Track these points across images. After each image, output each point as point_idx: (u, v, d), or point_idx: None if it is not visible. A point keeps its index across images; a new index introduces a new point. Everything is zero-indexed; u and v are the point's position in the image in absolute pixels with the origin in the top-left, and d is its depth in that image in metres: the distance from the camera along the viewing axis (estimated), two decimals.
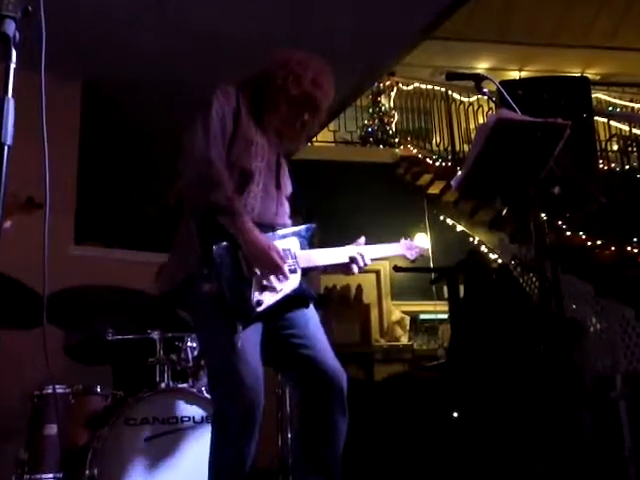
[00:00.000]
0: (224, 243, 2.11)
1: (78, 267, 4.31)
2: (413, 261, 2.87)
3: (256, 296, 2.12)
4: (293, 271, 2.26)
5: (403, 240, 2.81)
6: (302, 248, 2.35)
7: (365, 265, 2.45)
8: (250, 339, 2.14)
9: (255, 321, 2.16)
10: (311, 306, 2.36)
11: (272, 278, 2.16)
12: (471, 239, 7.01)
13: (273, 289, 2.18)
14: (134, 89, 5.25)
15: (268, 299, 2.16)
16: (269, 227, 2.28)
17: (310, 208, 2.50)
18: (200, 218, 2.15)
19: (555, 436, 3.30)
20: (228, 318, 2.09)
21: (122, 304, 3.21)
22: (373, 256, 2.53)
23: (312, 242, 2.41)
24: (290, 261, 2.26)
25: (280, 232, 2.32)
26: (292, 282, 2.25)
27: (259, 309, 2.12)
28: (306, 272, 2.34)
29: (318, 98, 2.37)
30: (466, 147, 7.58)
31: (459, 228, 7.32)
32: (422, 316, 7.88)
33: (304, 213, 2.48)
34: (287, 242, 2.31)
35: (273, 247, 2.17)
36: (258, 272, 2.14)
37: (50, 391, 3.02)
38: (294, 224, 2.42)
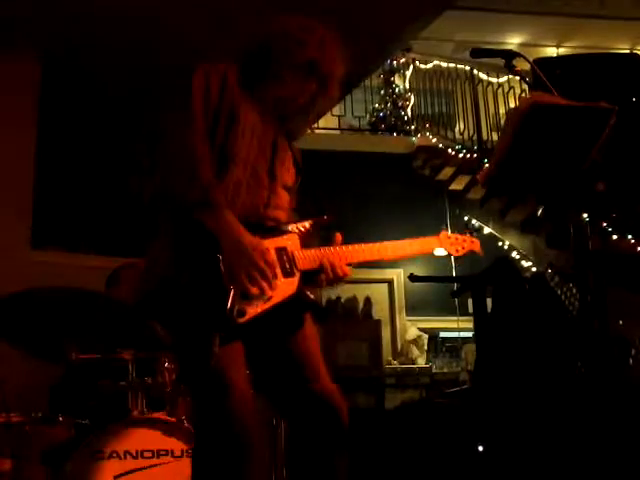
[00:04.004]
0: (201, 242, 2.10)
1: (36, 274, 4.32)
2: (460, 258, 2.74)
3: (237, 304, 2.09)
4: (288, 274, 2.23)
5: (443, 232, 2.64)
6: (304, 246, 2.31)
7: (339, 278, 2.33)
8: (234, 358, 2.13)
9: (238, 336, 2.14)
10: (309, 319, 2.34)
11: (251, 284, 2.12)
12: (500, 243, 7.02)
13: (260, 296, 2.15)
14: (101, 71, 5.28)
15: (253, 308, 2.13)
16: (256, 221, 2.24)
17: (320, 201, 2.48)
18: (177, 214, 2.15)
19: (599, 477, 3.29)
20: (205, 329, 2.08)
21: (87, 317, 3.20)
22: (389, 256, 2.48)
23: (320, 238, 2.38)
24: (285, 262, 2.24)
25: (274, 227, 2.28)
26: (286, 288, 2.21)
27: (241, 320, 2.10)
28: (311, 277, 2.31)
29: (326, 64, 2.38)
30: (494, 136, 7.58)
31: (486, 230, 7.31)
32: (442, 334, 7.89)
33: (312, 207, 2.46)
34: (283, 240, 2.28)
35: (256, 246, 2.14)
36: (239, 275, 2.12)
37: (3, 419, 3.01)
38: (298, 219, 2.39)
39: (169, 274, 2.12)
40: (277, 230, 2.29)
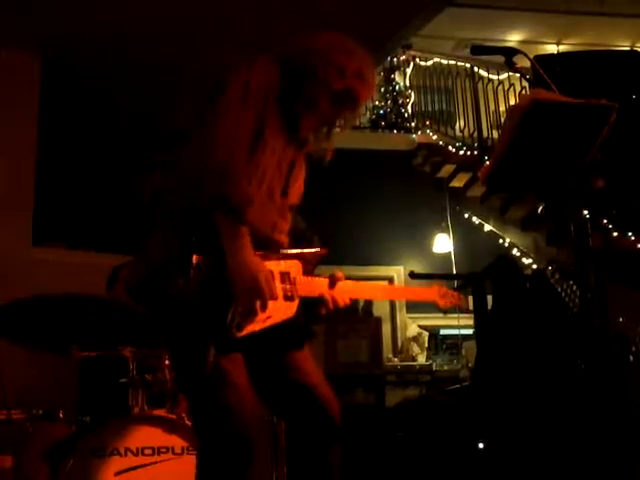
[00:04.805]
0: (209, 252, 2.09)
1: (37, 272, 4.32)
2: (445, 312, 2.88)
3: (236, 319, 2.10)
4: (289, 298, 2.25)
5: (436, 286, 2.78)
6: (305, 274, 2.33)
7: (337, 308, 2.37)
8: (235, 361, 2.15)
9: (235, 348, 2.15)
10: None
11: (253, 302, 2.12)
12: (501, 241, 7.01)
13: (259, 315, 2.15)
14: (101, 68, 5.28)
15: (251, 325, 2.14)
16: (265, 242, 2.22)
17: (320, 225, 2.48)
18: (187, 217, 2.13)
19: (599, 476, 3.29)
20: (201, 336, 2.09)
21: (88, 315, 3.21)
22: (391, 298, 2.54)
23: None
24: (287, 286, 2.24)
25: (279, 251, 2.28)
26: (285, 310, 2.23)
27: (238, 334, 2.11)
28: (309, 306, 2.32)
29: (362, 93, 2.35)
30: (495, 133, 7.57)
31: (487, 228, 7.32)
32: (443, 331, 7.87)
33: (310, 232, 2.45)
34: (287, 264, 2.28)
35: (262, 267, 2.12)
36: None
37: (4, 417, 3.02)
38: (295, 242, 2.38)
39: (169, 273, 2.12)
40: (282, 254, 2.29)
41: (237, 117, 2.11)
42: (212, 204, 2.04)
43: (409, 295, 2.73)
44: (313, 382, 2.32)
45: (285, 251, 2.30)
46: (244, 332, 2.11)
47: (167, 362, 3.16)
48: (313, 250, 2.37)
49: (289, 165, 2.33)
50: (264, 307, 2.11)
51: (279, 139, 2.27)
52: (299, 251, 2.34)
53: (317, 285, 2.34)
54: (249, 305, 2.09)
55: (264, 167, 2.22)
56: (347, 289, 2.39)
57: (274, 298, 2.13)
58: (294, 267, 2.30)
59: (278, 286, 2.19)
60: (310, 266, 2.36)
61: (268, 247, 2.23)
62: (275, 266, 2.22)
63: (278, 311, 2.19)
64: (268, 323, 2.17)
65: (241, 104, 2.13)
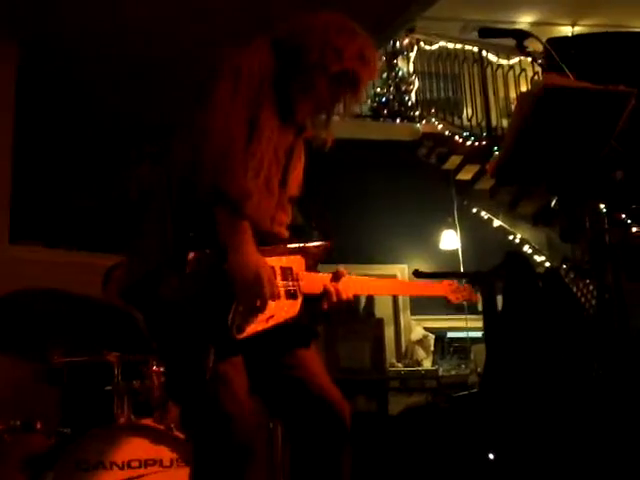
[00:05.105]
0: (206, 249, 2.09)
1: (13, 271, 4.33)
2: (458, 305, 2.87)
3: (237, 320, 2.10)
4: (292, 296, 2.25)
5: (446, 281, 2.77)
6: (309, 269, 2.33)
7: (341, 302, 2.38)
8: (234, 364, 2.15)
9: (236, 351, 2.15)
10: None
11: (254, 303, 2.12)
12: (511, 237, 7.02)
13: (261, 316, 2.15)
14: (82, 58, 5.28)
15: (252, 327, 2.14)
16: (263, 237, 2.20)
17: (323, 218, 2.48)
18: (182, 213, 2.13)
19: None
20: (200, 339, 2.09)
21: (70, 317, 3.20)
22: (398, 293, 2.55)
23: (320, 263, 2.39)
24: (290, 283, 2.25)
25: (281, 245, 2.28)
26: (288, 309, 2.24)
27: (239, 336, 2.11)
28: (311, 303, 2.32)
29: (363, 75, 2.35)
30: (505, 122, 7.57)
31: (496, 223, 7.32)
32: (450, 334, 7.89)
33: (312, 224, 2.45)
34: (289, 259, 2.29)
35: (263, 265, 2.11)
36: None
37: None
38: (294, 236, 2.38)
39: (163, 272, 2.12)
40: (284, 248, 2.29)
41: (230, 107, 2.11)
42: (209, 199, 2.04)
43: (418, 290, 2.72)
44: (321, 382, 2.31)
45: (286, 245, 2.30)
46: (245, 333, 2.11)
47: (155, 368, 3.16)
48: (316, 244, 2.37)
49: (287, 154, 2.34)
50: (263, 307, 2.11)
51: (275, 127, 2.27)
52: (301, 245, 2.34)
53: (320, 281, 2.35)
54: (251, 305, 2.09)
55: (261, 156, 2.22)
56: (351, 285, 2.40)
57: (276, 298, 2.14)
58: (296, 262, 2.30)
59: (280, 283, 2.20)
60: (313, 261, 2.36)
61: (268, 241, 2.23)
62: (276, 262, 2.22)
63: (281, 310, 2.20)
64: (270, 323, 2.18)
65: (233, 93, 2.13)
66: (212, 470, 2.13)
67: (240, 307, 2.09)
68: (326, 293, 2.34)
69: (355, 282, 2.43)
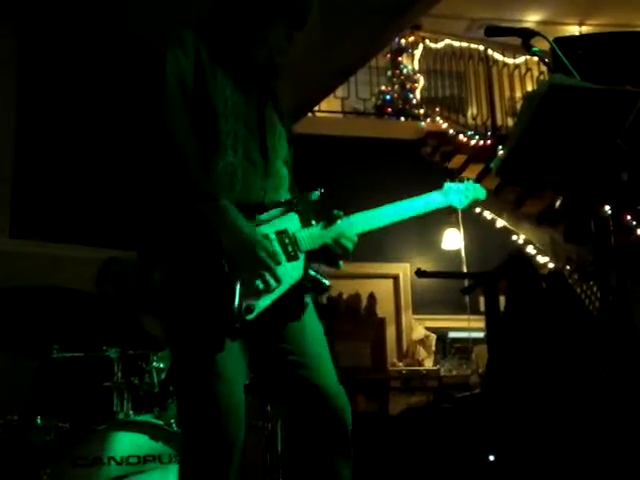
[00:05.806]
0: (202, 238, 2.10)
1: (14, 266, 4.32)
2: (465, 209, 2.82)
3: (244, 301, 2.10)
4: (292, 257, 2.24)
5: (447, 183, 2.78)
6: (305, 224, 2.31)
7: (347, 250, 2.37)
8: (233, 356, 2.14)
9: (244, 333, 2.15)
10: (312, 310, 2.35)
11: (257, 280, 2.13)
12: (515, 237, 7.01)
13: (266, 289, 2.15)
14: (79, 44, 5.27)
15: (261, 301, 2.14)
16: (256, 207, 2.24)
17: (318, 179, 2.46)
18: (174, 207, 2.15)
19: None
20: (205, 330, 2.09)
21: (70, 312, 3.21)
22: (401, 218, 2.54)
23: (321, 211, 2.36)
24: (287, 246, 2.24)
25: (271, 209, 2.27)
26: (292, 273, 2.22)
27: (249, 316, 2.11)
28: (318, 255, 2.31)
29: (299, 2, 2.32)
30: (510, 121, 7.57)
31: (500, 223, 7.31)
32: (451, 334, 7.89)
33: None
34: (282, 221, 2.27)
35: (258, 238, 2.14)
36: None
37: None
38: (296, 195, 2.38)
39: (169, 271, 2.14)
40: (275, 212, 2.28)
41: (167, 111, 2.15)
42: (180, 200, 2.12)
43: (419, 208, 2.68)
44: (320, 375, 2.28)
45: (278, 207, 2.29)
46: (255, 312, 2.11)
47: (154, 364, 3.17)
48: (307, 194, 2.35)
49: (258, 120, 2.35)
50: (269, 281, 2.13)
51: (236, 97, 2.30)
52: (291, 200, 2.33)
53: (318, 234, 2.32)
54: (254, 282, 2.11)
55: (232, 132, 2.26)
56: (350, 226, 2.39)
57: (277, 264, 2.15)
58: (291, 222, 2.29)
59: (278, 249, 2.20)
60: (308, 215, 2.34)
61: (260, 207, 2.25)
62: (270, 228, 2.22)
63: (285, 275, 2.18)
64: (277, 293, 2.17)
65: (166, 98, 2.17)
66: (196, 462, 2.14)
67: (244, 282, 2.09)
68: (325, 245, 2.33)
69: (353, 222, 2.41)
